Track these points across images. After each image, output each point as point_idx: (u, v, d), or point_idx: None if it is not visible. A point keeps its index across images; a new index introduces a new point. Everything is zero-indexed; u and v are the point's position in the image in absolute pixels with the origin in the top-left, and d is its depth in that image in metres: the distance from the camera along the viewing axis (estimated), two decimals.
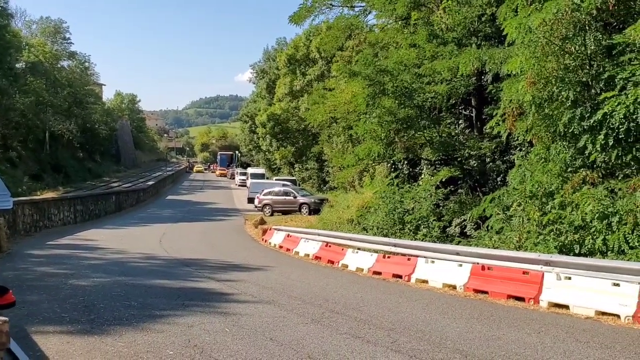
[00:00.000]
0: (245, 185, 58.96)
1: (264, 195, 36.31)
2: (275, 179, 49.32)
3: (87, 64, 78.15)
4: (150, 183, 59.32)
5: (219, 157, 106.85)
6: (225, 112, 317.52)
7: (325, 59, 49.31)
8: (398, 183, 20.51)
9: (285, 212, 34.24)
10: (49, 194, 37.01)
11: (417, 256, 13.15)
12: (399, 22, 23.57)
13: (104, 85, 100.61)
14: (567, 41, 12.97)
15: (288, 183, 41.98)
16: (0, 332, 2.53)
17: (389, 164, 23.95)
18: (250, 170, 63.98)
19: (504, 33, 14.69)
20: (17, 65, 53.91)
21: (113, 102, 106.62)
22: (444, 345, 7.25)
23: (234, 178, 77.05)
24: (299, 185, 47.89)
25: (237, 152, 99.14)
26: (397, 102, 18.98)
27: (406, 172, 23.59)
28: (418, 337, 7.67)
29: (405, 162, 23.16)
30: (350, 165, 22.12)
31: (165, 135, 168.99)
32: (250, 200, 40.12)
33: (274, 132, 58.95)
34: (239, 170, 76.88)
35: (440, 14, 20.17)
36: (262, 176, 55.85)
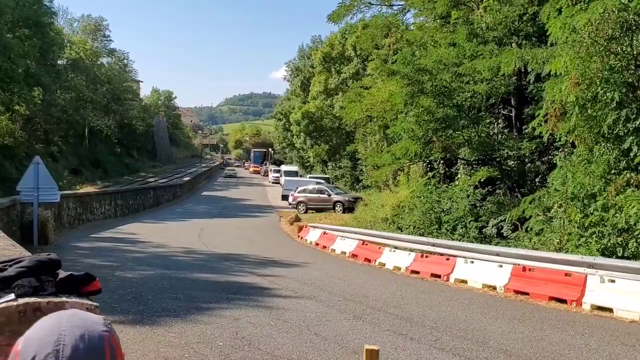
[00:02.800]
0: (278, 183, 59.36)
1: (298, 192, 36.53)
2: (309, 177, 49.52)
3: (125, 60, 79.85)
4: (186, 179, 60.24)
5: (252, 154, 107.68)
6: (259, 110, 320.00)
7: (360, 57, 49.22)
8: (435, 183, 20.45)
9: (319, 210, 34.39)
10: (89, 188, 37.97)
11: (456, 256, 13.14)
12: (438, 21, 23.48)
13: (142, 81, 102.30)
14: (613, 41, 12.78)
15: (322, 181, 42.15)
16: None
17: (425, 164, 23.87)
18: (283, 167, 64.40)
19: (547, 33, 14.52)
20: (59, 62, 55.35)
21: (150, 99, 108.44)
22: (487, 345, 7.29)
23: (267, 175, 77.64)
24: (333, 183, 48.02)
25: (270, 149, 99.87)
26: (435, 101, 18.92)
27: (442, 172, 23.47)
28: (461, 335, 7.73)
29: (442, 161, 23.06)
30: (387, 164, 22.12)
31: (200, 132, 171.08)
32: (284, 198, 40.39)
33: (308, 130, 59.14)
34: (273, 167, 77.43)
35: (480, 12, 20.01)
36: (295, 174, 56.17)
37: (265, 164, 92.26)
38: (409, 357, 6.67)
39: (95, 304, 2.86)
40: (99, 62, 68.12)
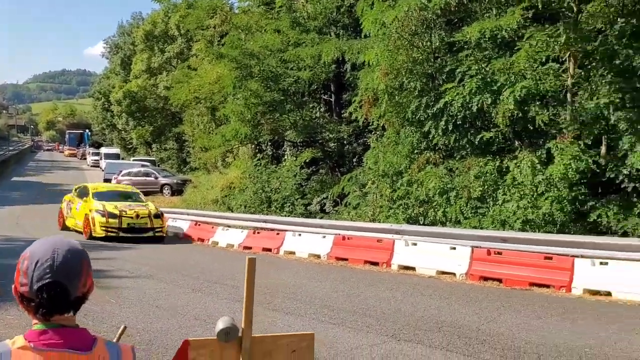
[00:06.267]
0: (98, 166, 56.43)
1: (122, 176, 35.30)
2: (133, 160, 47.91)
3: None
4: None
5: (67, 136, 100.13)
6: (73, 88, 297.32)
7: (185, 36, 48.49)
8: (264, 164, 21.43)
9: (146, 193, 33.39)
10: None
11: (285, 230, 14.23)
12: (263, 7, 24.29)
13: None
14: (415, 36, 14.66)
15: (147, 164, 41.13)
16: None
17: (254, 145, 24.77)
18: (103, 150, 61.20)
19: (361, 27, 16.04)
20: None
21: None
22: (314, 303, 8.35)
23: (85, 158, 73.03)
24: (159, 165, 47.03)
25: (87, 130, 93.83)
26: (263, 85, 19.81)
27: (270, 153, 24.57)
28: (291, 297, 8.70)
29: (270, 143, 24.13)
30: (216, 145, 22.61)
31: (5, 111, 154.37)
32: (107, 182, 38.76)
33: (130, 110, 56.84)
34: (91, 150, 73.01)
35: (302, 2, 21.23)
36: (116, 156, 53.84)
37: (83, 146, 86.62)
38: None
39: None
40: None
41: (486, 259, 10.25)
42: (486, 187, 12.74)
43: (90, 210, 16.20)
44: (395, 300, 8.57)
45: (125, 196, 18.34)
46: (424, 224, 13.33)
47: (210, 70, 25.00)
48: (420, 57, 14.78)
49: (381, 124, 16.35)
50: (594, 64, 12.57)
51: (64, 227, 17.90)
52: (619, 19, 12.18)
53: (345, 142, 21.41)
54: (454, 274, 10.49)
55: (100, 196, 17.18)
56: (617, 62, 12.13)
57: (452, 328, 6.95)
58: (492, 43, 13.75)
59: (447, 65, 14.31)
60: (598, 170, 11.62)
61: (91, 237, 15.76)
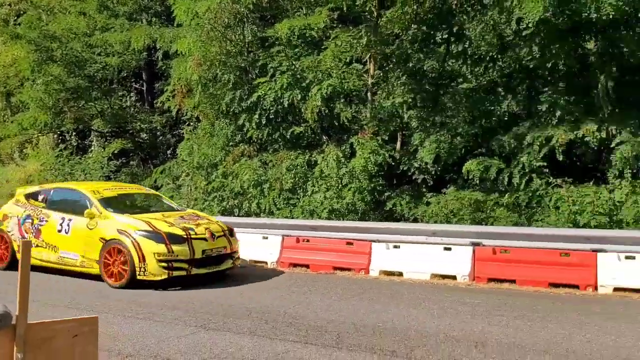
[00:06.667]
0: None
1: None
2: None
3: None
4: None
5: None
6: None
7: None
8: (67, 155, 19.98)
9: None
10: None
11: None
12: None
13: None
14: (229, 29, 14.70)
15: None
16: None
17: (57, 135, 22.94)
18: None
19: (173, 15, 15.70)
20: None
21: None
22: (121, 300, 8.07)
23: None
24: None
25: None
26: (66, 70, 18.40)
27: (75, 144, 22.91)
28: (95, 295, 8.30)
29: (75, 133, 22.51)
30: (12, 135, 20.54)
31: None
32: None
33: None
34: None
35: None
36: None
37: None
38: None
39: None
40: None
41: (295, 247, 10.75)
42: (297, 179, 13.28)
43: (119, 232, 8.98)
44: (205, 292, 8.62)
45: (146, 202, 11.03)
46: (238, 216, 13.51)
47: (4, 52, 22.52)
48: (234, 50, 14.88)
49: (195, 115, 16.20)
50: (391, 66, 13.79)
51: (11, 264, 10.17)
52: (412, 25, 13.47)
53: (158, 132, 20.76)
54: (266, 263, 10.85)
55: (114, 205, 9.74)
56: (411, 64, 13.47)
57: (260, 314, 7.20)
58: (302, 41, 14.36)
59: (260, 60, 14.61)
60: (393, 164, 12.79)
61: (133, 283, 8.74)
